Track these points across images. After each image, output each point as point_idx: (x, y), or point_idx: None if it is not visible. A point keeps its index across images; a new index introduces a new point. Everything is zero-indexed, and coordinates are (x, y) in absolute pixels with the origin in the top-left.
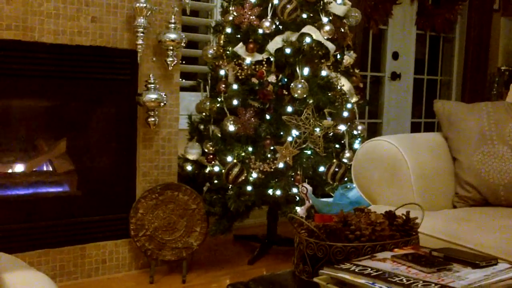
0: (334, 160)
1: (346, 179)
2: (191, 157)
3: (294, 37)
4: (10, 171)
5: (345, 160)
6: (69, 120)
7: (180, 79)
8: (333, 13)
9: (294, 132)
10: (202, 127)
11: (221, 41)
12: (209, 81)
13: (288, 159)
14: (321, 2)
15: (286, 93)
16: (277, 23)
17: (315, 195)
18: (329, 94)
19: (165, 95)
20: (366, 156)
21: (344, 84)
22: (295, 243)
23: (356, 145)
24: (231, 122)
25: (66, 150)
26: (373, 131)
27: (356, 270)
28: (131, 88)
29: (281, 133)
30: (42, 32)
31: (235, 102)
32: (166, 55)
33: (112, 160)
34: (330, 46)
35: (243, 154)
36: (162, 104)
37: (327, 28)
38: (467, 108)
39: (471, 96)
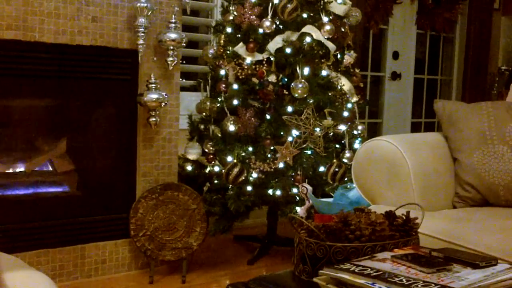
0: (334, 160)
1: (346, 179)
2: (191, 157)
3: (294, 36)
4: (10, 171)
5: (345, 160)
6: (69, 120)
7: (181, 79)
8: (334, 13)
9: (294, 132)
10: (202, 127)
11: (222, 41)
12: (209, 81)
13: (288, 159)
14: (322, 1)
15: (287, 93)
16: (278, 23)
17: (315, 195)
18: (329, 94)
19: (166, 95)
20: (366, 156)
21: (345, 84)
22: (295, 243)
23: (356, 145)
24: (231, 122)
25: (67, 150)
26: (373, 131)
27: (356, 270)
28: (131, 88)
29: (281, 133)
30: (43, 32)
31: (235, 102)
32: (166, 55)
33: (112, 160)
34: (331, 45)
35: (243, 154)
36: (163, 104)
37: (327, 27)
38: (468, 108)
39: (472, 96)
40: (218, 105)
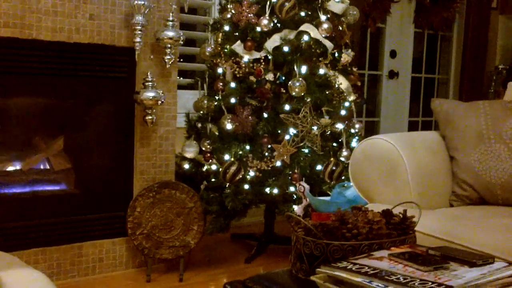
0: (332, 159)
1: (343, 177)
2: (188, 155)
3: (292, 35)
4: (7, 169)
5: (342, 159)
6: (66, 118)
7: (178, 77)
8: (331, 11)
9: (292, 131)
10: (199, 125)
11: (219, 39)
12: (207, 79)
13: (285, 157)
14: (319, 0)
15: (284, 91)
16: (275, 21)
17: (312, 193)
18: (327, 93)
19: (162, 93)
20: (364, 155)
21: (342, 83)
22: (292, 241)
23: (354, 143)
24: (229, 120)
25: (64, 148)
26: (370, 130)
27: (353, 269)
28: (128, 86)
29: (279, 131)
30: (40, 30)
31: (232, 100)
32: (164, 53)
33: (109, 158)
34: (328, 44)
35: (240, 152)
36: (159, 102)
37: (325, 26)
38: (465, 106)
39: (469, 95)
40: (216, 103)
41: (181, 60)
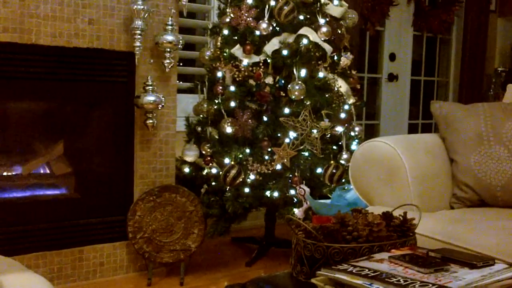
0: (332, 162)
1: (343, 180)
2: (188, 159)
3: (291, 38)
4: (7, 173)
5: (342, 162)
6: (66, 123)
7: (178, 81)
8: (330, 15)
9: (292, 134)
10: (199, 129)
11: (218, 43)
12: (207, 83)
13: (285, 160)
14: (318, 3)
15: (283, 94)
16: (274, 25)
17: (312, 196)
18: (326, 96)
19: (163, 97)
20: (364, 158)
21: (341, 86)
22: (293, 244)
23: (354, 146)
24: (229, 124)
25: (64, 152)
26: (370, 133)
27: (354, 271)
28: (128, 90)
29: (279, 134)
30: (39, 35)
31: (232, 104)
32: (163, 57)
33: (109, 162)
34: (327, 47)
35: (240, 156)
36: (160, 106)
37: (324, 29)
38: (464, 109)
39: (468, 97)
40: (215, 107)
41: (181, 64)
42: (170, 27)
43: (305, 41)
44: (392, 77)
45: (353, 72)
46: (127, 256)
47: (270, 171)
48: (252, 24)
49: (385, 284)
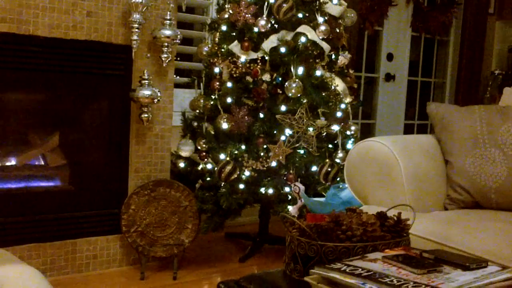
0: (327, 160)
1: (338, 179)
2: (184, 154)
3: (289, 36)
4: (1, 164)
5: (337, 160)
6: (62, 114)
7: (175, 76)
8: (329, 13)
9: (288, 131)
10: (195, 124)
11: (216, 39)
12: (204, 79)
13: (281, 158)
14: (317, 2)
15: (280, 92)
16: (273, 22)
17: (307, 194)
18: (323, 94)
19: (159, 91)
20: (359, 157)
21: (338, 84)
22: (287, 242)
23: (349, 145)
24: (225, 120)
25: (59, 144)
26: (366, 132)
27: (347, 270)
28: (125, 84)
29: (275, 132)
30: (37, 26)
31: (229, 100)
32: (160, 52)
33: (104, 155)
34: (325, 46)
35: (236, 152)
36: (155, 100)
37: (322, 28)
38: (460, 111)
39: (464, 99)
40: (212, 102)
41: (178, 59)
42: (168, 21)
43: (303, 39)
44: (389, 77)
45: (351, 71)
46: (121, 249)
47: (265, 168)
48: (250, 20)
49: (378, 284)
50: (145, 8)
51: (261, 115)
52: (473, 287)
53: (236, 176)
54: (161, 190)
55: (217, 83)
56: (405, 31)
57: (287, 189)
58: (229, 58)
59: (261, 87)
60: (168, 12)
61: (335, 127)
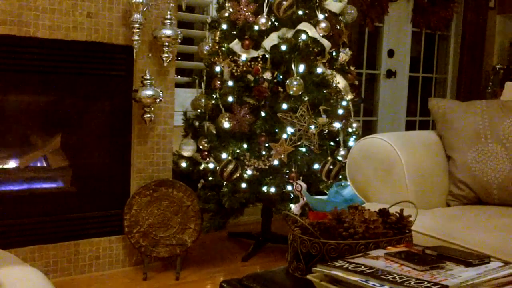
0: (329, 158)
1: (340, 176)
2: (185, 153)
3: (289, 34)
4: (4, 166)
5: (339, 158)
6: (64, 116)
7: (176, 75)
8: (329, 10)
9: (289, 129)
10: (197, 123)
11: (217, 38)
12: (205, 78)
13: (283, 156)
14: None
15: (282, 90)
16: (273, 20)
17: (309, 192)
18: (324, 92)
19: (161, 91)
20: (361, 154)
21: (340, 82)
22: (289, 240)
23: (351, 142)
24: (226, 118)
25: (61, 146)
26: (368, 129)
27: (350, 268)
28: (126, 84)
29: (276, 130)
30: (37, 27)
31: (230, 98)
32: (161, 51)
33: (106, 156)
34: (326, 43)
35: (238, 151)
36: (158, 100)
37: (323, 25)
38: (462, 106)
39: (466, 94)
40: (213, 101)
41: (179, 58)
42: (168, 21)
43: (303, 36)
44: (390, 74)
45: (352, 68)
46: (123, 250)
47: (267, 167)
48: (251, 19)
49: (380, 281)
50: (145, 8)
51: (263, 114)
52: (476, 283)
53: (238, 175)
54: (163, 190)
55: (218, 82)
56: (406, 27)
57: (289, 187)
58: (230, 56)
59: (262, 86)
60: (168, 12)
61: (337, 125)
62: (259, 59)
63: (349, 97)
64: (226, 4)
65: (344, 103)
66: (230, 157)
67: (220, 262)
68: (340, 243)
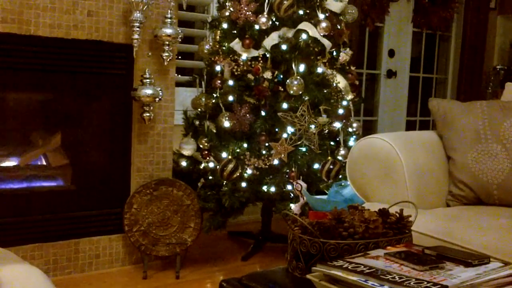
0: (329, 157)
1: (340, 176)
2: (186, 152)
3: (290, 33)
4: (4, 164)
5: (339, 158)
6: (64, 114)
7: (176, 74)
8: (330, 10)
9: (289, 129)
10: (197, 122)
11: (217, 37)
12: (205, 77)
13: (283, 155)
14: None
15: (282, 89)
16: (274, 19)
17: (309, 192)
18: (325, 91)
19: (160, 90)
20: (361, 154)
21: (340, 81)
22: (289, 239)
23: (351, 142)
24: (227, 118)
25: (61, 144)
26: (368, 129)
27: (349, 267)
28: (126, 83)
29: (276, 129)
30: (38, 26)
31: (230, 98)
32: (162, 50)
33: (106, 154)
34: (326, 43)
35: (238, 150)
36: (157, 99)
37: (323, 24)
38: (462, 106)
39: (466, 95)
40: (213, 101)
41: (179, 57)
42: (169, 20)
43: (304, 36)
44: (390, 74)
45: (352, 68)
46: (123, 249)
47: (267, 166)
48: (251, 18)
49: (380, 281)
50: (145, 6)
51: (263, 113)
52: (475, 284)
53: (238, 174)
54: (163, 189)
55: (219, 81)
56: (406, 27)
57: (289, 187)
58: (230, 56)
59: (263, 85)
60: (169, 11)
61: (337, 124)
62: (260, 59)
63: (350, 97)
64: (227, 3)
65: (344, 103)
66: (230, 156)
67: (220, 261)
68: (340, 243)
